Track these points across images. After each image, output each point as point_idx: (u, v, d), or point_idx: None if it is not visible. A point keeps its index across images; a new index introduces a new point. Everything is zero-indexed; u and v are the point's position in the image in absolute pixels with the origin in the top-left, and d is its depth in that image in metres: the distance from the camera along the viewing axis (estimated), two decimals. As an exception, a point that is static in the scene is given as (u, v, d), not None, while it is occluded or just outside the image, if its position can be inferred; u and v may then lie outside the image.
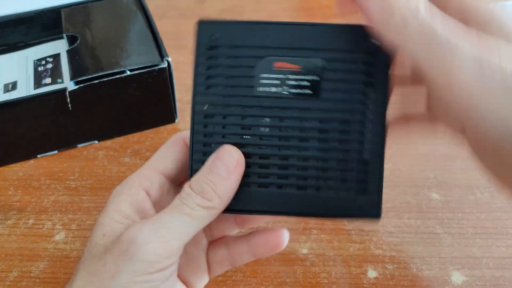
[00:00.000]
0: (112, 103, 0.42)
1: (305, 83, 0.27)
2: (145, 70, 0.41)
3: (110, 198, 0.28)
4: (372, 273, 0.34)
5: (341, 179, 0.27)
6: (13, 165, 0.42)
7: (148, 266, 0.24)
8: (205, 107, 0.28)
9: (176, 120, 0.46)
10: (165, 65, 0.41)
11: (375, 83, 0.27)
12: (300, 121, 0.27)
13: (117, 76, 0.40)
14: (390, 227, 0.36)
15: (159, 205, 0.28)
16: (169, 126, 0.46)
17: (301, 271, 0.34)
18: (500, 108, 0.22)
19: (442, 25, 0.23)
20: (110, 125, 0.44)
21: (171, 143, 0.30)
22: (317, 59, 0.27)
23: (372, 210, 0.27)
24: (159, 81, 0.42)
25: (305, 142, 0.27)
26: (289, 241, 0.35)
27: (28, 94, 0.41)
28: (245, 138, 0.27)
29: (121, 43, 0.43)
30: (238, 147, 0.27)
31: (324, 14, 0.60)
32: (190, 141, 0.28)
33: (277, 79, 0.27)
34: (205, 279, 0.31)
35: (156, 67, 0.41)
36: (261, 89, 0.27)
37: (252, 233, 0.31)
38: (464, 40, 0.22)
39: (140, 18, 0.46)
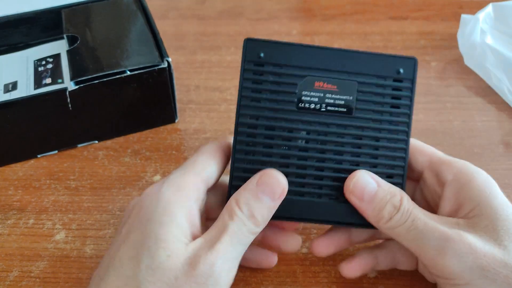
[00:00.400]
0: (112, 103, 0.42)
1: (341, 102, 0.30)
2: (145, 70, 0.41)
3: (164, 205, 0.27)
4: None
5: None
6: (13, 165, 0.42)
7: None
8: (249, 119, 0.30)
9: (176, 120, 0.46)
10: (165, 65, 0.41)
11: (401, 105, 0.30)
12: (336, 136, 0.30)
13: (117, 77, 0.40)
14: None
15: (201, 214, 0.29)
16: (169, 126, 0.46)
17: (301, 271, 0.34)
18: None
19: (425, 215, 0.28)
20: (110, 125, 0.44)
21: (212, 151, 0.30)
22: (352, 81, 0.30)
23: None
24: (159, 82, 0.42)
25: (339, 155, 0.30)
26: (289, 241, 0.35)
27: (28, 94, 0.41)
28: (285, 148, 0.30)
29: (121, 44, 0.43)
30: (279, 157, 0.30)
31: (323, 15, 0.60)
32: (232, 150, 0.30)
33: (316, 97, 0.30)
34: None
35: (156, 68, 0.41)
36: (301, 105, 0.30)
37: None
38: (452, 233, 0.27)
39: (140, 18, 0.46)
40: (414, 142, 0.33)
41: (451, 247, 0.26)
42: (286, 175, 0.29)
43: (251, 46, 0.30)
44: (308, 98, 0.30)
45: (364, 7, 0.61)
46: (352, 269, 0.32)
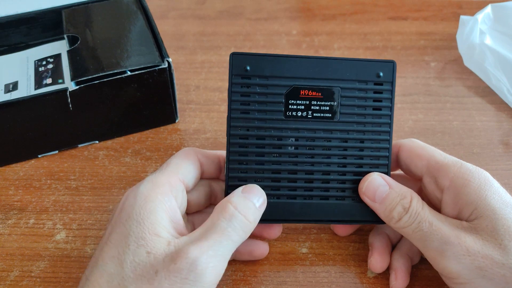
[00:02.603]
0: (113, 104, 0.42)
1: (326, 108, 0.32)
2: (146, 70, 0.41)
3: (142, 202, 0.28)
4: (371, 273, 0.34)
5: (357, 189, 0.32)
6: (14, 165, 0.43)
7: None
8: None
9: (177, 120, 0.46)
10: (165, 65, 0.41)
11: (382, 107, 0.32)
12: (323, 140, 0.32)
13: (118, 77, 0.40)
14: (390, 227, 0.36)
15: (182, 212, 0.30)
16: (169, 126, 0.46)
17: (301, 271, 0.34)
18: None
19: (432, 216, 0.29)
20: (111, 125, 0.44)
21: (186, 155, 0.31)
22: (335, 87, 0.32)
23: None
24: (159, 82, 0.42)
25: (327, 158, 0.32)
26: (289, 241, 0.36)
27: (29, 94, 0.41)
28: (275, 156, 0.31)
29: (122, 44, 0.43)
30: (271, 164, 0.31)
31: (323, 15, 0.60)
32: (226, 161, 0.31)
33: (302, 105, 0.31)
34: None
35: (156, 68, 0.41)
36: (289, 113, 0.31)
37: None
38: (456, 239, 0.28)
39: (140, 18, 0.46)
40: (413, 143, 0.33)
41: (450, 250, 0.28)
42: (278, 180, 0.31)
43: (237, 60, 0.31)
44: (294, 107, 0.31)
45: (363, 7, 0.61)
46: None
